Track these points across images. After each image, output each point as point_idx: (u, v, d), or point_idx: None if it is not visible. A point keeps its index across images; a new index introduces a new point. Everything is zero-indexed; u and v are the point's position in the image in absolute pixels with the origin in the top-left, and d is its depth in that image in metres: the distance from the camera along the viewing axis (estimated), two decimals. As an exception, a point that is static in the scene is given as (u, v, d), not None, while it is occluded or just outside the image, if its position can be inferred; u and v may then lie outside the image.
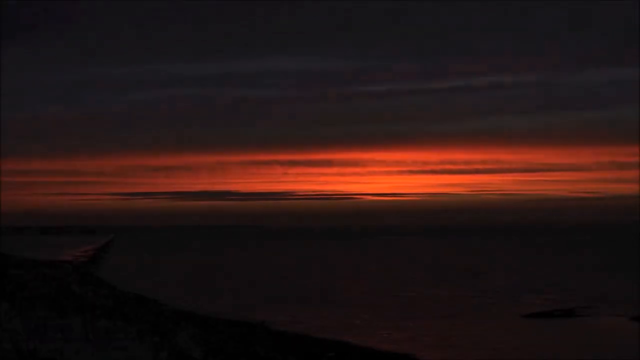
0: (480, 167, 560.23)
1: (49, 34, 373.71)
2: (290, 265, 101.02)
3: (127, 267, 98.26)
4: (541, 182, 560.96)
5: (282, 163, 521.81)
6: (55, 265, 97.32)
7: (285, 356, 29.34)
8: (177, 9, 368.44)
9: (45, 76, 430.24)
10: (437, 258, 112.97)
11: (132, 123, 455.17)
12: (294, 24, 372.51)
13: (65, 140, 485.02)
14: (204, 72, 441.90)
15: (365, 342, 34.39)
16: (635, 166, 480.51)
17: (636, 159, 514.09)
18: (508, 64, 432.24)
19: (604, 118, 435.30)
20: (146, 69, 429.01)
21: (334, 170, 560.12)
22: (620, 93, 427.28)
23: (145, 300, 54.84)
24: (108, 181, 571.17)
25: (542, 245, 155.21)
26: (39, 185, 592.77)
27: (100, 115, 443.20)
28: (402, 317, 44.50)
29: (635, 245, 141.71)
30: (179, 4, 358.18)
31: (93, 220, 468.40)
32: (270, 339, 34.27)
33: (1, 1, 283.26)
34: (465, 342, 34.43)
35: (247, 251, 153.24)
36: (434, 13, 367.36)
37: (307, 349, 31.47)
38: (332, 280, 71.86)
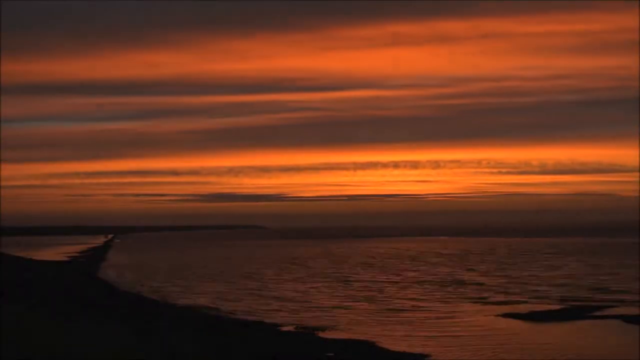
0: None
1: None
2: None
3: (127, 267, 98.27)
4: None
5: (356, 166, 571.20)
6: (56, 266, 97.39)
7: (285, 356, 29.37)
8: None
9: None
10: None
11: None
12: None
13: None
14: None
15: (376, 341, 34.47)
16: None
17: None
18: None
19: None
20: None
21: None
22: None
23: (144, 300, 54.88)
24: (183, 181, 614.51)
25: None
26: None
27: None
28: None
29: None
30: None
31: (165, 221, 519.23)
32: (269, 338, 34.31)
33: None
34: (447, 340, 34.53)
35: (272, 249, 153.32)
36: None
37: (306, 349, 31.51)
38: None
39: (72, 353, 21.29)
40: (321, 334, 36.96)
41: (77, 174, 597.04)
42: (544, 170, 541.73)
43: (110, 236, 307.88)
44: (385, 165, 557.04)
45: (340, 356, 30.16)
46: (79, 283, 67.06)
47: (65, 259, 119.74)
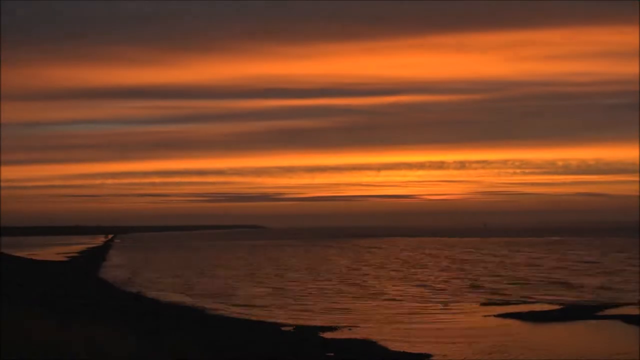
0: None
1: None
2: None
3: (127, 267, 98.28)
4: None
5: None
6: (56, 265, 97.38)
7: (285, 356, 29.37)
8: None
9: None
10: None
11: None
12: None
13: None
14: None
15: (376, 341, 34.47)
16: None
17: None
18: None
19: None
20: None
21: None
22: None
23: (144, 299, 54.88)
24: (204, 181, 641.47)
25: None
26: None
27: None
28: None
29: None
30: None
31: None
32: (269, 338, 34.30)
33: None
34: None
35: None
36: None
37: (306, 349, 31.50)
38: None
39: (72, 353, 21.28)
40: (321, 334, 36.92)
41: (101, 175, 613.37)
42: (567, 170, 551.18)
43: (110, 236, 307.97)
44: (410, 166, 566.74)
45: (340, 356, 30.13)
46: (79, 283, 67.06)
47: (65, 258, 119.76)
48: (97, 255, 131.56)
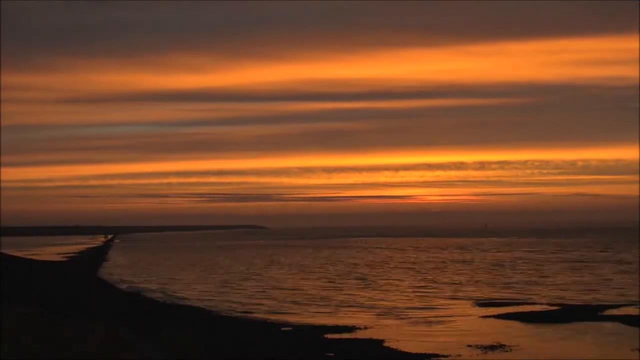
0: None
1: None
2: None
3: (127, 267, 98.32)
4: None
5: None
6: (56, 265, 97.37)
7: (285, 356, 29.37)
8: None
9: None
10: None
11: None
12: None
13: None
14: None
15: (377, 341, 34.42)
16: None
17: None
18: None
19: None
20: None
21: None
22: None
23: (144, 299, 54.88)
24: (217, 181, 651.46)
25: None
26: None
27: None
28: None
29: None
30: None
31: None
32: (269, 338, 34.30)
33: None
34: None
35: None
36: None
37: (307, 349, 31.48)
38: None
39: (71, 353, 21.27)
40: (322, 334, 36.88)
41: (119, 176, 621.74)
42: (586, 170, 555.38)
43: (109, 236, 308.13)
44: (430, 167, 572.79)
45: (341, 356, 30.11)
46: (79, 283, 67.06)
47: (65, 258, 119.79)
48: (97, 255, 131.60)
